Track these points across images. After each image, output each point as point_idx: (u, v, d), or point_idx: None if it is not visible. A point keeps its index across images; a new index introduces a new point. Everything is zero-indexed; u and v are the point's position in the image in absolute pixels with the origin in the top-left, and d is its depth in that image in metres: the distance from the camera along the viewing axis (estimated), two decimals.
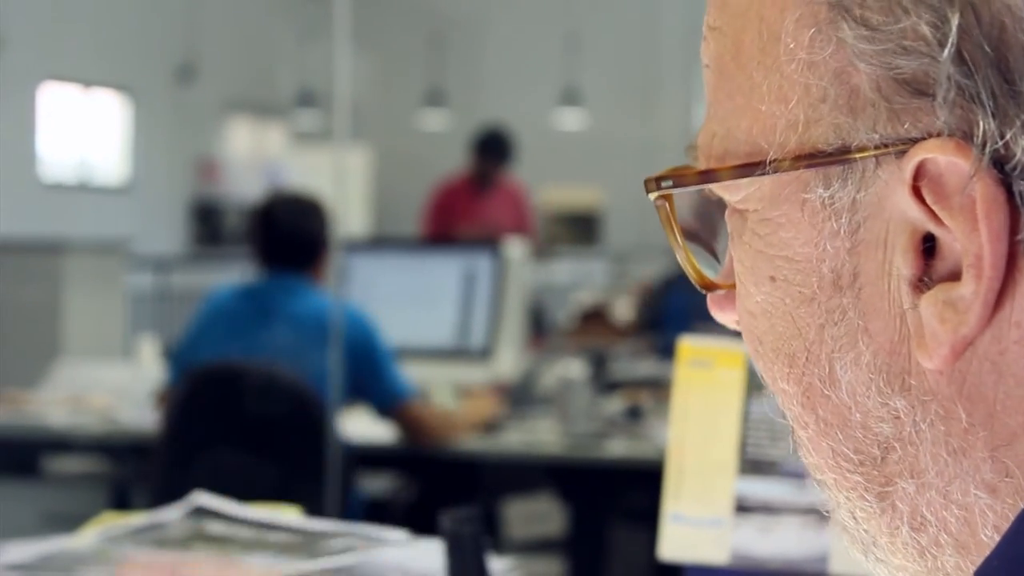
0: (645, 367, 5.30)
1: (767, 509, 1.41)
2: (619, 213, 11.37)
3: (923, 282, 0.60)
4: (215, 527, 1.59)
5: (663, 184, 0.68)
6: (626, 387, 4.76)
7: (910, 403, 0.61)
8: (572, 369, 4.39)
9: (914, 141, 0.60)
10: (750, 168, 0.64)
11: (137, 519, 1.62)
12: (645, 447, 4.02)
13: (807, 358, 0.64)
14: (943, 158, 0.59)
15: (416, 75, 12.95)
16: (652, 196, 0.68)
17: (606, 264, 11.10)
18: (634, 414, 4.32)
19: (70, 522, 1.91)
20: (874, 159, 0.61)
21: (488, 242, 4.98)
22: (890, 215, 0.61)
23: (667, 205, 0.68)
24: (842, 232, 0.62)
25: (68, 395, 4.68)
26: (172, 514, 1.61)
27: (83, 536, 1.58)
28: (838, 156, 0.61)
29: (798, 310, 0.64)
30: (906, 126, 0.60)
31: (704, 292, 0.70)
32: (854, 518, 0.65)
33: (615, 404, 4.46)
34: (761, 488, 1.41)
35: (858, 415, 0.62)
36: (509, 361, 4.69)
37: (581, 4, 12.58)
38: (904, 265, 0.60)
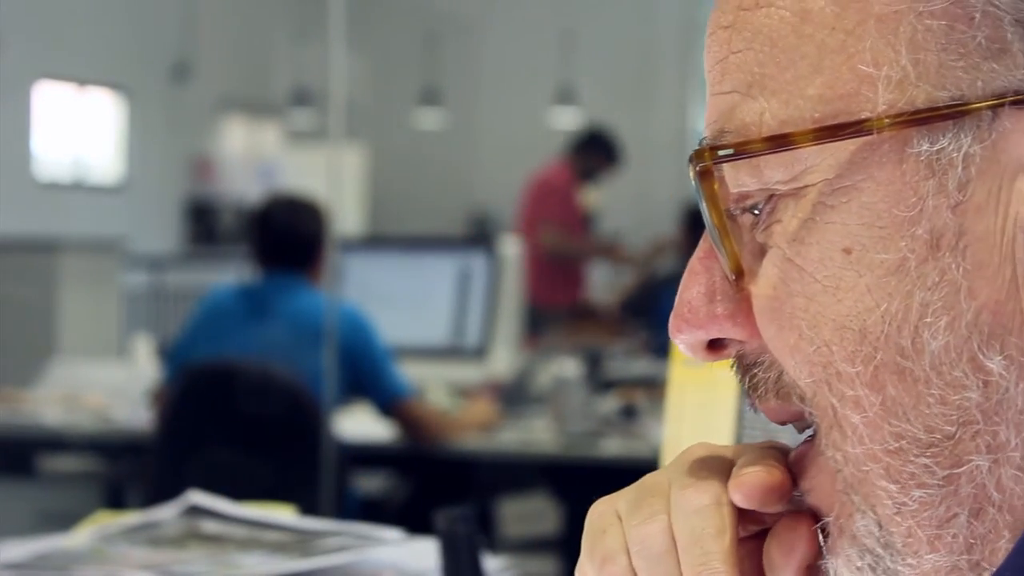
0: (640, 366, 5.30)
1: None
2: (614, 212, 11.37)
3: None
4: (209, 526, 1.59)
5: (721, 154, 0.64)
6: (621, 386, 4.76)
7: (1008, 364, 0.60)
8: (567, 368, 4.39)
9: None
10: (838, 130, 0.61)
11: (132, 518, 1.62)
12: (640, 446, 4.02)
13: (884, 331, 0.61)
14: None
15: (411, 74, 12.95)
16: (700, 168, 0.65)
17: (601, 263, 11.10)
18: (629, 413, 4.32)
19: (65, 521, 1.91)
20: (992, 110, 0.59)
21: (483, 240, 4.98)
22: (1006, 167, 0.59)
23: (714, 180, 0.65)
24: (948, 188, 0.60)
25: (63, 394, 4.67)
26: (167, 513, 1.61)
27: (78, 535, 1.58)
28: (953, 109, 0.59)
29: (878, 280, 0.61)
30: None
31: (733, 280, 0.66)
32: (879, 522, 0.63)
33: (610, 403, 4.46)
34: None
35: (936, 389, 0.60)
36: (504, 360, 4.69)
37: (576, 3, 12.58)
38: None
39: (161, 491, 3.54)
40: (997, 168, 0.59)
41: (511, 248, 4.77)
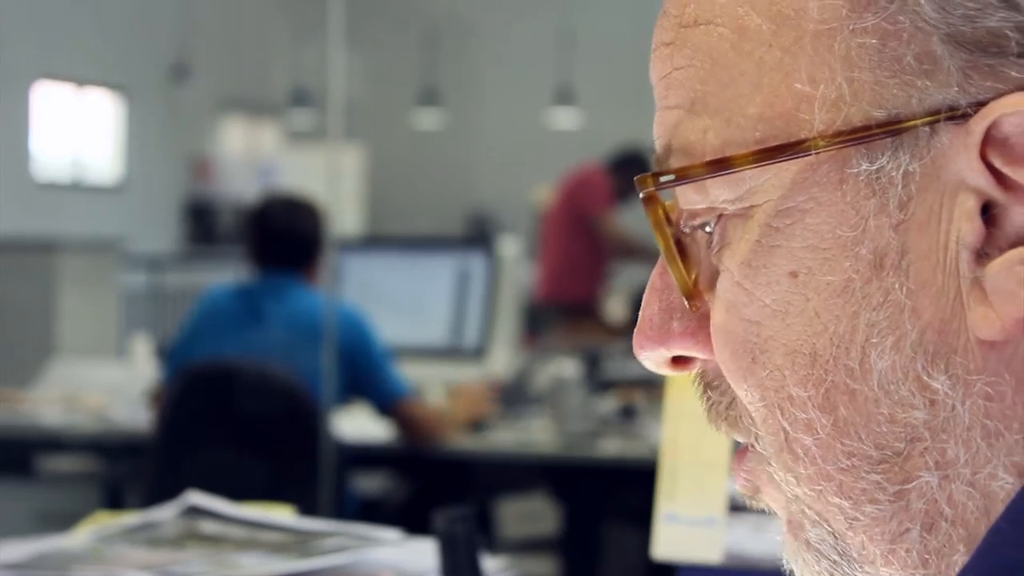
0: (638, 366, 5.26)
1: (759, 508, 1.40)
2: None
3: (984, 252, 0.59)
4: (208, 526, 1.59)
5: (663, 180, 0.64)
6: (620, 386, 4.75)
7: (953, 383, 0.60)
8: (566, 368, 4.39)
9: (983, 103, 0.58)
10: (777, 152, 0.61)
11: (130, 518, 1.61)
12: (638, 446, 4.02)
13: (833, 353, 0.61)
14: (1020, 116, 0.57)
15: (409, 74, 12.95)
16: (644, 193, 0.65)
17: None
18: (627, 413, 4.32)
19: (63, 521, 1.91)
20: (929, 127, 0.59)
21: (482, 240, 4.98)
22: (946, 184, 0.59)
23: (661, 205, 0.65)
24: (890, 207, 0.60)
25: (62, 394, 4.67)
26: (165, 513, 1.61)
27: (76, 535, 1.58)
28: (890, 127, 0.59)
29: (825, 303, 0.61)
30: (975, 87, 0.58)
31: (687, 302, 0.66)
32: (833, 534, 0.63)
33: (609, 403, 4.46)
34: None
35: (885, 408, 0.60)
36: (503, 360, 4.69)
37: (574, 3, 12.58)
38: (969, 233, 0.59)
39: (160, 491, 3.54)
40: (937, 185, 0.59)
41: (510, 248, 4.78)
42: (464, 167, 13.40)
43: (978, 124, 0.58)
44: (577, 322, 6.78)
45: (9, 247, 7.51)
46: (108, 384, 4.72)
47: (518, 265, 4.92)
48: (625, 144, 7.61)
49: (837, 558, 0.64)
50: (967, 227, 0.59)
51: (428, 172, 13.40)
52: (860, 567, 0.63)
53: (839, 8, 0.60)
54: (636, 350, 0.68)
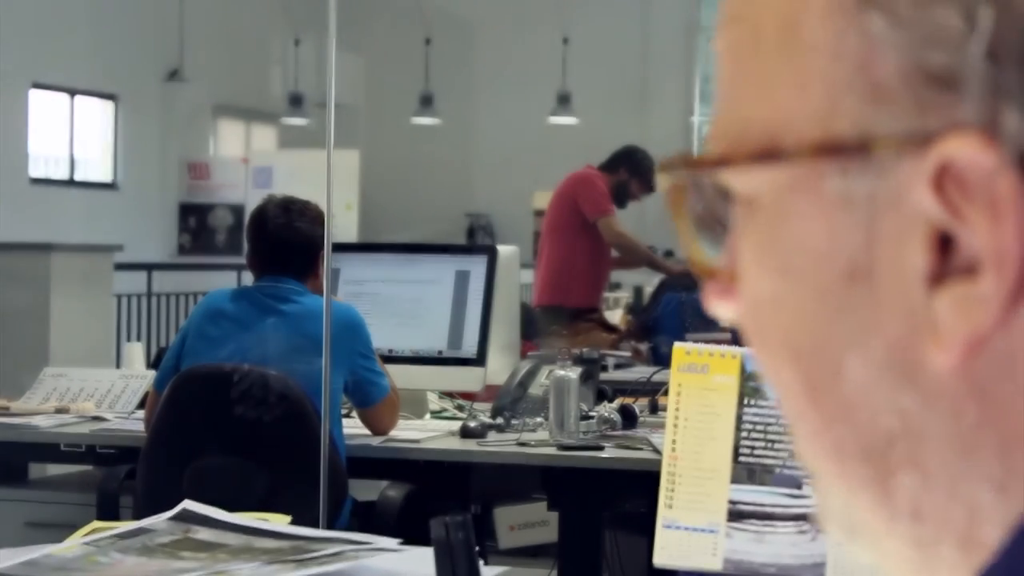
0: (639, 372, 5.29)
1: (761, 516, 1.40)
2: None
3: (939, 279, 0.60)
4: (203, 534, 1.57)
5: (673, 172, 0.68)
6: (620, 392, 4.75)
7: (918, 401, 0.61)
8: (565, 374, 4.38)
9: (937, 135, 0.60)
10: (765, 157, 0.64)
11: (125, 526, 1.60)
12: (639, 453, 4.01)
13: (814, 352, 0.64)
14: (967, 153, 0.59)
15: (407, 79, 12.96)
16: (662, 181, 0.68)
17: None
18: (628, 420, 4.31)
19: (58, 529, 1.90)
20: (894, 153, 0.61)
21: (480, 245, 4.97)
22: (907, 209, 0.61)
23: (677, 191, 0.68)
24: (860, 224, 0.62)
25: (55, 400, 4.66)
26: (160, 521, 1.59)
27: (71, 543, 1.57)
28: (858, 148, 0.61)
29: (808, 304, 0.64)
30: (930, 120, 0.60)
31: (705, 281, 0.70)
32: (845, 509, 0.66)
33: (609, 409, 4.45)
34: (755, 495, 1.40)
35: (864, 411, 0.63)
36: (501, 366, 4.67)
37: (574, 7, 12.59)
38: (920, 260, 0.60)
39: (155, 499, 3.53)
40: (901, 208, 0.61)
41: (508, 253, 4.76)
42: (462, 172, 13.41)
43: (928, 157, 0.60)
44: (576, 327, 6.77)
45: (3, 251, 7.50)
46: (103, 390, 4.71)
47: (517, 270, 4.91)
48: (622, 145, 7.59)
49: (851, 531, 0.67)
50: (918, 255, 0.60)
51: (425, 177, 13.41)
52: (867, 541, 0.67)
53: (817, 30, 0.63)
54: (708, 302, 0.72)
